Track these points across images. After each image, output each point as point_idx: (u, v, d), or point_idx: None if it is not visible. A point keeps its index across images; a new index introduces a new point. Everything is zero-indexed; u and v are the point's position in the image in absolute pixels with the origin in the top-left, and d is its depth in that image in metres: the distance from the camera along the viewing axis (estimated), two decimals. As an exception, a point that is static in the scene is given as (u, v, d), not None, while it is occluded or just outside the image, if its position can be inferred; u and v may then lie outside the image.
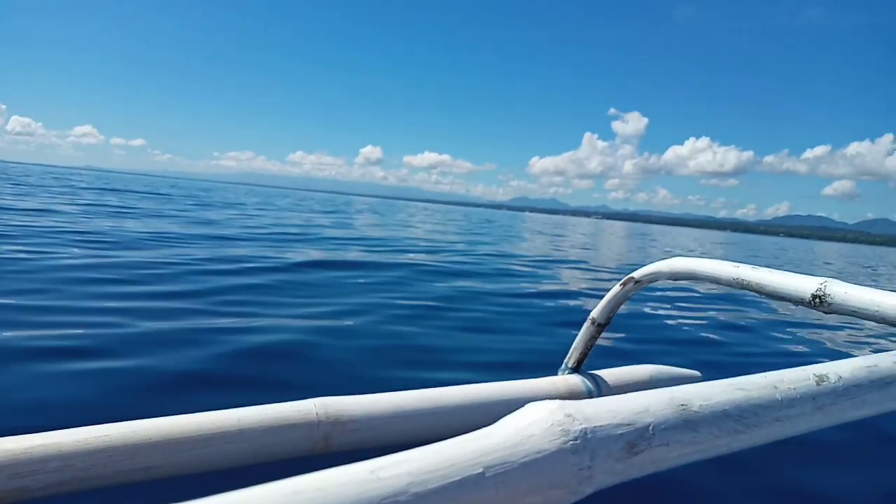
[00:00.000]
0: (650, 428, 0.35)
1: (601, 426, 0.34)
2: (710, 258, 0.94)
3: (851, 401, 0.43)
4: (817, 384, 0.42)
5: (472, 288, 3.71)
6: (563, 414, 0.34)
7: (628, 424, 0.34)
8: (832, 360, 0.46)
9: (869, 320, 0.69)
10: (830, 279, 0.74)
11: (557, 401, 0.35)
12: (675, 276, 1.00)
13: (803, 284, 0.76)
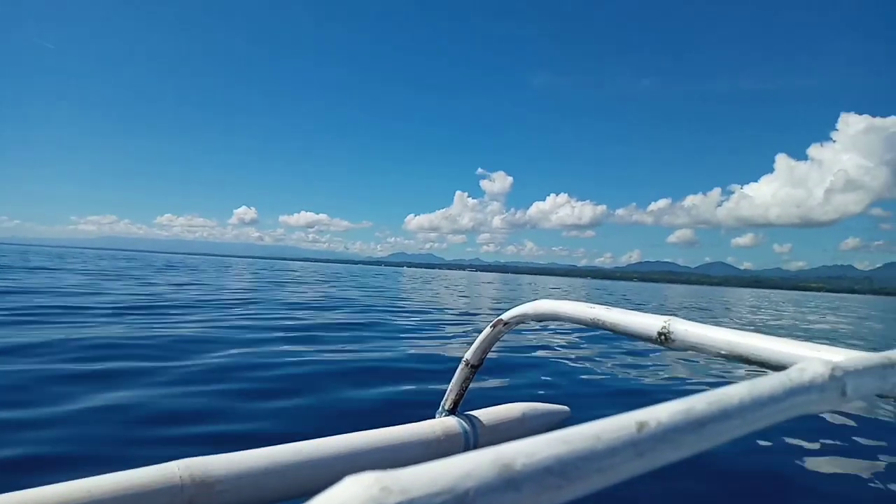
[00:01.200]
0: (470, 493, 0.32)
1: (418, 497, 0.31)
2: (571, 300, 0.99)
3: (669, 444, 0.39)
4: (638, 431, 0.37)
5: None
6: (379, 488, 0.31)
7: (448, 492, 0.32)
8: (688, 394, 0.41)
9: (706, 353, 0.72)
10: (674, 317, 0.78)
11: (376, 473, 0.31)
12: (540, 318, 1.06)
13: (650, 323, 0.80)
